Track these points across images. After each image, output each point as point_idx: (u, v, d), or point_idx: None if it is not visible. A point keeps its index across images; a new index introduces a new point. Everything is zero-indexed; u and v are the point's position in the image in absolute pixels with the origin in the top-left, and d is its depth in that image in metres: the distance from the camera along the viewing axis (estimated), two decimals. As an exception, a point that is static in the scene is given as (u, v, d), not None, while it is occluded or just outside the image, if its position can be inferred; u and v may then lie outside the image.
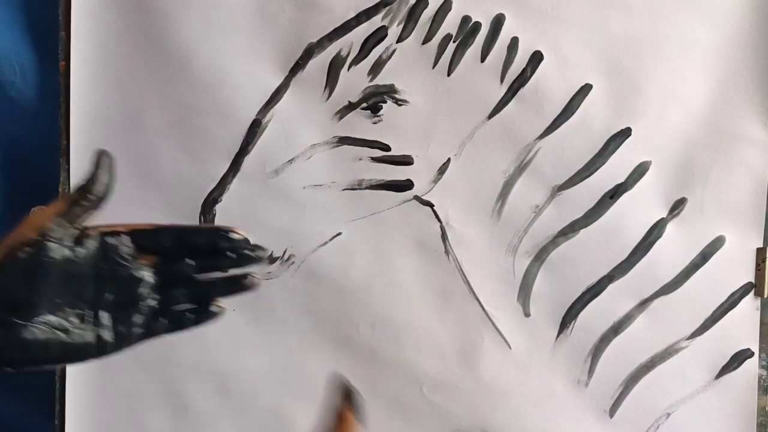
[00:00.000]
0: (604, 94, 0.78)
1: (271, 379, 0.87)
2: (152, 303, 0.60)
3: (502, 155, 0.81)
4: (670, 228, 0.79)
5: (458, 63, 0.80)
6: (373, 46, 0.81)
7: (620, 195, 0.79)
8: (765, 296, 0.78)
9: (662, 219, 0.79)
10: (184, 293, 0.61)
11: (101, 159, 0.61)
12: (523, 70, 0.79)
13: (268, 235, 0.84)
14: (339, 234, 0.84)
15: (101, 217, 0.87)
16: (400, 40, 0.81)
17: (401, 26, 0.81)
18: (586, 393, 0.82)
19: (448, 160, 0.81)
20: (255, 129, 0.84)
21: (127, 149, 0.86)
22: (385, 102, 0.82)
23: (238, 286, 0.63)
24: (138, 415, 0.89)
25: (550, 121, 0.80)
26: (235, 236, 0.61)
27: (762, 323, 0.79)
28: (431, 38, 0.80)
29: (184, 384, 0.87)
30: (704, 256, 0.79)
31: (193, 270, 0.61)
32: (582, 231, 0.80)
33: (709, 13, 0.76)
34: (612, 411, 0.81)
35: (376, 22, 0.81)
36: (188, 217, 0.85)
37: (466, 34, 0.80)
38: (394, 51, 0.81)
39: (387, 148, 0.82)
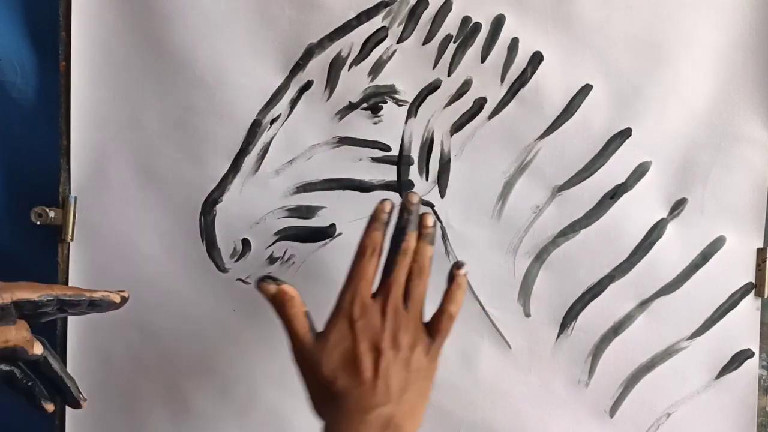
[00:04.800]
0: (604, 94, 0.79)
1: (271, 379, 0.87)
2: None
3: (502, 155, 0.81)
4: (670, 228, 0.79)
5: (458, 63, 0.80)
6: (374, 47, 0.81)
7: (620, 195, 0.79)
8: (765, 296, 0.78)
9: (662, 219, 0.79)
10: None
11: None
12: (524, 70, 0.79)
13: (267, 235, 0.84)
14: (339, 234, 0.84)
15: (104, 213, 0.87)
16: (400, 40, 0.81)
17: (402, 27, 0.81)
18: (586, 393, 0.82)
19: (449, 160, 0.81)
20: (255, 129, 0.84)
21: (127, 149, 0.86)
22: (386, 102, 0.82)
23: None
24: (138, 415, 0.89)
25: (551, 122, 0.80)
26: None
27: (762, 323, 0.79)
28: (431, 39, 0.80)
29: (184, 384, 0.87)
30: (704, 257, 0.79)
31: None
32: (582, 231, 0.81)
33: (710, 13, 0.76)
34: (612, 411, 0.81)
35: (377, 22, 0.81)
36: (188, 217, 0.86)
37: (466, 35, 0.80)
38: (394, 51, 0.81)
39: (387, 148, 0.82)
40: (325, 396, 0.68)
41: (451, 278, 0.73)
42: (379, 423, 0.65)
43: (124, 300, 0.73)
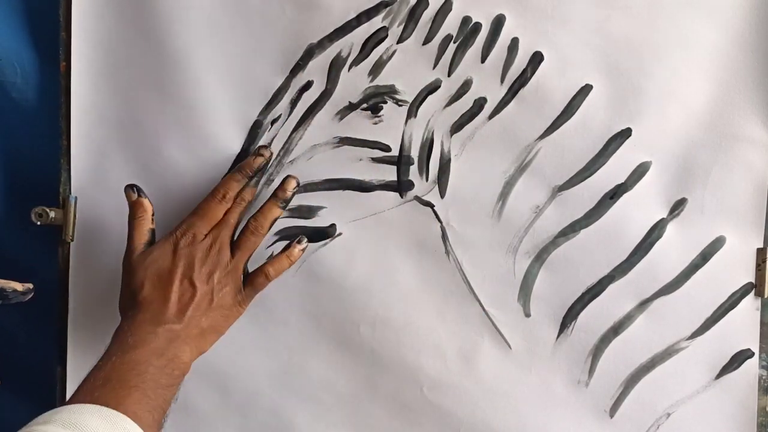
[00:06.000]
0: (605, 94, 0.78)
1: (271, 379, 0.87)
2: None
3: (503, 155, 0.81)
4: (670, 228, 0.79)
5: (458, 63, 0.80)
6: (374, 47, 0.81)
7: (620, 195, 0.79)
8: (765, 296, 0.78)
9: (662, 219, 0.79)
10: None
11: None
12: (524, 70, 0.79)
13: (268, 236, 0.84)
14: (339, 234, 0.84)
15: (104, 213, 0.88)
16: (400, 40, 0.81)
17: (402, 27, 0.81)
18: (586, 393, 0.82)
19: (449, 160, 0.82)
20: (256, 130, 0.84)
21: (127, 150, 0.87)
22: (386, 102, 0.82)
23: None
24: (138, 415, 0.89)
25: (551, 122, 0.80)
26: None
27: (762, 323, 0.79)
28: (431, 39, 0.80)
29: (184, 384, 0.87)
30: (704, 257, 0.79)
31: None
32: (582, 231, 0.80)
33: (710, 14, 0.76)
34: (612, 411, 0.81)
35: (377, 22, 0.81)
36: (189, 217, 0.86)
37: (466, 35, 0.80)
38: (394, 52, 0.81)
39: (387, 148, 0.82)
40: (128, 300, 0.77)
41: (288, 246, 0.81)
42: (165, 336, 0.73)
43: (28, 291, 0.74)
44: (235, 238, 0.80)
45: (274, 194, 0.80)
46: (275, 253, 0.82)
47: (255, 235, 0.79)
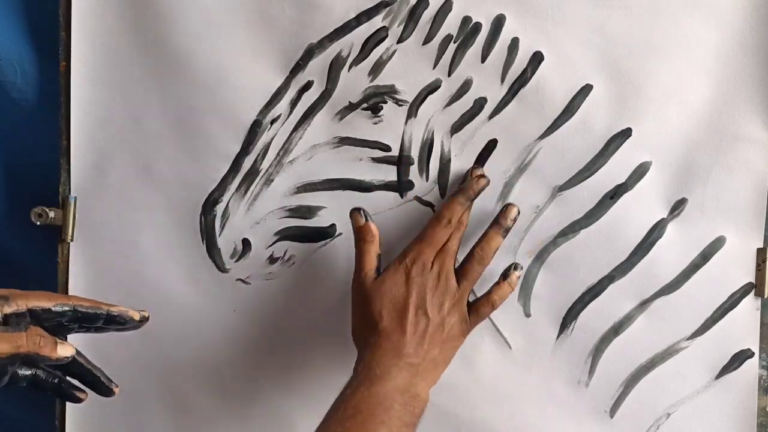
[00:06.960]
0: (605, 94, 0.78)
1: (271, 379, 0.87)
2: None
3: (503, 155, 0.81)
4: (670, 228, 0.79)
5: (458, 63, 0.80)
6: (374, 47, 0.81)
7: (621, 195, 0.79)
8: (765, 296, 0.78)
9: (663, 219, 0.79)
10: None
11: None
12: (524, 70, 0.79)
13: (268, 235, 0.84)
14: (339, 234, 0.84)
15: (104, 213, 0.87)
16: (400, 40, 0.81)
17: (402, 27, 0.81)
18: (586, 393, 0.82)
19: (449, 160, 0.82)
20: (255, 130, 0.84)
21: (127, 150, 0.87)
22: (386, 102, 0.82)
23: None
24: (138, 415, 0.89)
25: (551, 122, 0.80)
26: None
27: (762, 323, 0.79)
28: (432, 39, 0.80)
29: (184, 384, 0.88)
30: (704, 257, 0.79)
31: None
32: (582, 231, 0.80)
33: (710, 13, 0.76)
34: (612, 411, 0.81)
35: (377, 22, 0.81)
36: (189, 217, 0.86)
37: (466, 35, 0.80)
38: (394, 51, 0.81)
39: (387, 148, 0.82)
40: (367, 329, 0.75)
41: (506, 275, 0.78)
42: (407, 370, 0.72)
43: (144, 319, 0.72)
44: (458, 265, 0.78)
45: (497, 222, 0.77)
46: (282, 256, 0.82)
47: (480, 265, 0.77)
